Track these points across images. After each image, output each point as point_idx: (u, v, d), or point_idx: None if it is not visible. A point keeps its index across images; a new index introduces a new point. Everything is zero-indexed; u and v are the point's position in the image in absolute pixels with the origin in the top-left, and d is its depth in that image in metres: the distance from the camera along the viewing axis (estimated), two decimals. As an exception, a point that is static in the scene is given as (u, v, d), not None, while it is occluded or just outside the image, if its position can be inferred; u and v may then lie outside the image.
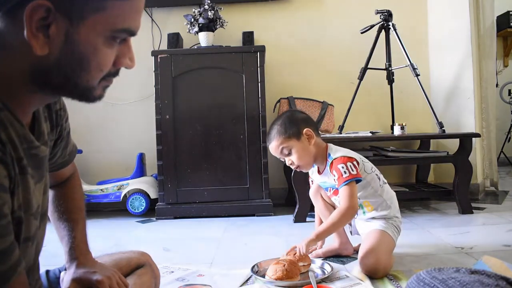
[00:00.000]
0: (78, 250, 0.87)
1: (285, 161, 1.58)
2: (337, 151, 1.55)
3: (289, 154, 1.53)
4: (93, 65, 0.63)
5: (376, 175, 1.58)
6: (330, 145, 1.59)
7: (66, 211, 0.91)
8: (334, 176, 1.50)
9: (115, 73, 0.69)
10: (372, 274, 1.39)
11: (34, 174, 0.68)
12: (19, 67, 0.62)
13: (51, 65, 0.62)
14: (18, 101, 0.64)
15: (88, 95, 0.67)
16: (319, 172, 1.60)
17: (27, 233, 0.66)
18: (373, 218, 1.55)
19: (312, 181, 1.72)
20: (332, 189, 1.58)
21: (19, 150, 0.63)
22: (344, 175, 1.46)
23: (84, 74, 0.64)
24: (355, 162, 1.50)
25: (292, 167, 1.57)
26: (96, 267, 0.86)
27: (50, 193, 0.93)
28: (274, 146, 1.53)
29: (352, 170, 1.47)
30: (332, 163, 1.52)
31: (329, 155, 1.55)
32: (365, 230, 1.56)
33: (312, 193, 1.72)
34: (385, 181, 1.61)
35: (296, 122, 1.54)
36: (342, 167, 1.48)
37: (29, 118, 0.69)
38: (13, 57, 0.61)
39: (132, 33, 0.66)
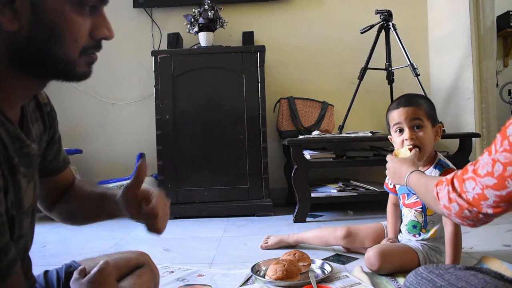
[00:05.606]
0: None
1: (400, 132, 1.43)
2: (447, 161, 1.45)
3: (418, 128, 1.40)
4: (65, 35, 0.63)
5: None
6: (438, 152, 1.50)
7: (89, 197, 0.91)
8: None
9: (96, 46, 0.68)
10: (369, 265, 1.42)
11: (26, 173, 0.68)
12: None
13: (24, 41, 0.61)
14: (4, 94, 0.64)
15: (70, 71, 0.66)
16: None
17: (20, 231, 0.67)
18: (425, 243, 1.46)
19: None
20: (417, 197, 1.44)
21: (9, 149, 0.63)
22: None
23: (59, 46, 0.63)
24: None
25: (408, 142, 1.39)
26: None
27: (63, 205, 0.92)
28: (411, 111, 1.40)
29: None
30: (448, 172, 1.37)
31: (441, 160, 1.44)
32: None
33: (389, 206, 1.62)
34: None
35: (436, 114, 1.47)
36: None
37: (17, 114, 0.69)
38: None
39: None
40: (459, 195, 0.77)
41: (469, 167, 0.77)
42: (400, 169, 1.18)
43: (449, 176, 0.82)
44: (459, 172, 0.80)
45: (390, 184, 1.60)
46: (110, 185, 2.68)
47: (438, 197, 0.83)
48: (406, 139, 1.40)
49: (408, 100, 1.44)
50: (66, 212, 0.93)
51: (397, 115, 1.43)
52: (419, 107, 1.42)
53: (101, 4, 0.66)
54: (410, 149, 1.34)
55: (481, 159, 0.74)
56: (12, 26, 0.60)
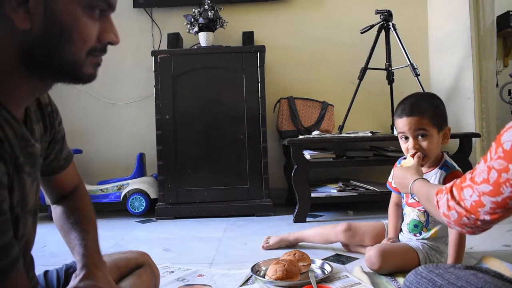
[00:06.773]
0: (90, 258, 0.83)
1: (406, 139, 1.44)
2: (453, 162, 1.47)
3: (422, 137, 1.41)
4: (75, 36, 0.64)
5: None
6: (444, 153, 1.50)
7: (75, 222, 0.89)
8: None
9: (102, 49, 0.69)
10: (369, 265, 1.43)
11: (30, 172, 0.69)
12: (6, 50, 0.63)
13: (35, 41, 0.63)
14: (11, 94, 0.65)
15: (77, 72, 0.67)
16: None
17: (23, 230, 0.67)
18: (426, 243, 1.47)
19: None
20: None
21: (15, 148, 0.64)
22: None
23: (68, 46, 0.64)
24: None
25: (412, 151, 1.40)
26: (103, 283, 0.81)
27: (59, 208, 0.92)
28: (414, 121, 1.40)
29: None
30: (454, 173, 1.41)
31: (447, 161, 1.46)
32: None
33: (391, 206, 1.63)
34: None
35: (445, 115, 1.47)
36: None
37: (22, 114, 0.70)
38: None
39: (109, 4, 0.67)
40: (458, 203, 0.80)
41: (467, 175, 0.79)
42: (404, 179, 1.22)
43: (448, 185, 0.85)
44: (458, 180, 0.83)
45: (393, 183, 1.60)
46: (110, 185, 2.68)
47: (438, 205, 0.86)
48: (410, 148, 1.42)
49: (412, 109, 1.42)
50: (55, 217, 0.93)
51: (401, 124, 1.44)
52: (423, 116, 1.41)
53: (109, 9, 0.68)
54: (412, 155, 1.38)
55: (477, 167, 0.76)
56: (24, 25, 0.61)
